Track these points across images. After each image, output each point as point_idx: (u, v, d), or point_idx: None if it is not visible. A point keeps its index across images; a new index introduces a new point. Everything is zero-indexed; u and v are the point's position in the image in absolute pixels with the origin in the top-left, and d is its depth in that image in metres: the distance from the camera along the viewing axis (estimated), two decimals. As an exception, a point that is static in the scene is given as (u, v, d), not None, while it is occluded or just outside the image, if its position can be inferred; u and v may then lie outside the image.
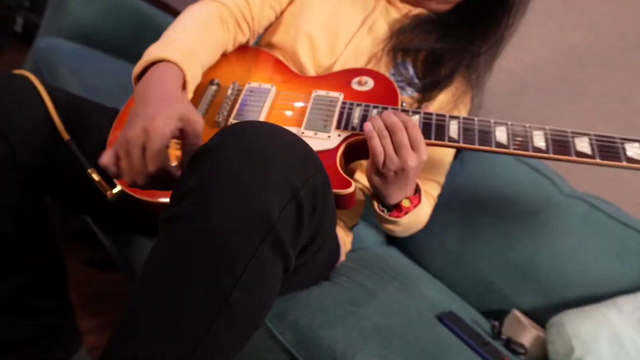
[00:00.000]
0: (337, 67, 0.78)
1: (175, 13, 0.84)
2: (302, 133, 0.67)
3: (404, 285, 0.89)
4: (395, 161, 0.61)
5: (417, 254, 1.17)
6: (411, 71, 0.79)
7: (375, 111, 0.67)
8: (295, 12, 0.83)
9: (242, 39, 0.81)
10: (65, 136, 0.60)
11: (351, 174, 0.82)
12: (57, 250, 0.71)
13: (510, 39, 0.79)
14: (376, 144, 0.61)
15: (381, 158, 0.62)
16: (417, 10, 0.83)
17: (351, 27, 0.80)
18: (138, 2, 1.35)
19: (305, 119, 0.68)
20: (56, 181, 0.64)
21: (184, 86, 0.61)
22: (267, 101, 0.71)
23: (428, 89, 0.78)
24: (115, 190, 0.59)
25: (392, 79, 0.74)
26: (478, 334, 0.82)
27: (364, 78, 0.73)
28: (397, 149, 0.61)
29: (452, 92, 0.81)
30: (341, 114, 0.68)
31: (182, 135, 0.50)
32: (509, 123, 0.63)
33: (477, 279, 1.07)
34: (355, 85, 0.73)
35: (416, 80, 0.79)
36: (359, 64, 0.79)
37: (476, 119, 0.64)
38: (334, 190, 0.57)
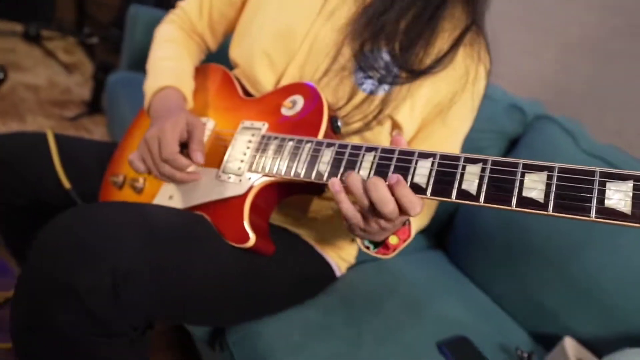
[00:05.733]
0: (288, 75, 0.66)
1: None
2: (219, 177, 0.59)
3: (415, 303, 0.81)
4: (368, 228, 0.49)
5: (461, 261, 1.04)
6: (386, 58, 0.61)
7: (291, 143, 0.54)
8: (249, 16, 0.71)
9: (204, 48, 0.81)
10: (67, 185, 0.70)
11: None
12: None
13: None
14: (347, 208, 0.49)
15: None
16: None
17: (309, 14, 0.65)
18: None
19: (224, 159, 0.60)
20: None
21: (185, 99, 0.69)
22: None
23: (417, 75, 0.61)
24: None
25: (321, 92, 0.59)
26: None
27: (294, 97, 0.60)
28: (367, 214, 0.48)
29: (454, 70, 0.63)
30: (257, 150, 0.58)
31: (188, 137, 0.60)
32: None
33: (526, 295, 0.90)
34: (284, 109, 0.60)
35: (394, 70, 0.61)
36: (315, 64, 0.64)
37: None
38: (231, 243, 0.55)
